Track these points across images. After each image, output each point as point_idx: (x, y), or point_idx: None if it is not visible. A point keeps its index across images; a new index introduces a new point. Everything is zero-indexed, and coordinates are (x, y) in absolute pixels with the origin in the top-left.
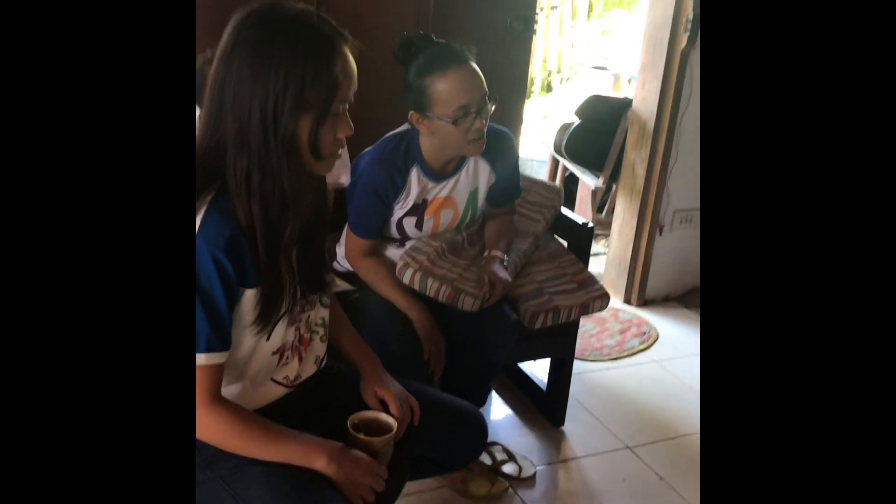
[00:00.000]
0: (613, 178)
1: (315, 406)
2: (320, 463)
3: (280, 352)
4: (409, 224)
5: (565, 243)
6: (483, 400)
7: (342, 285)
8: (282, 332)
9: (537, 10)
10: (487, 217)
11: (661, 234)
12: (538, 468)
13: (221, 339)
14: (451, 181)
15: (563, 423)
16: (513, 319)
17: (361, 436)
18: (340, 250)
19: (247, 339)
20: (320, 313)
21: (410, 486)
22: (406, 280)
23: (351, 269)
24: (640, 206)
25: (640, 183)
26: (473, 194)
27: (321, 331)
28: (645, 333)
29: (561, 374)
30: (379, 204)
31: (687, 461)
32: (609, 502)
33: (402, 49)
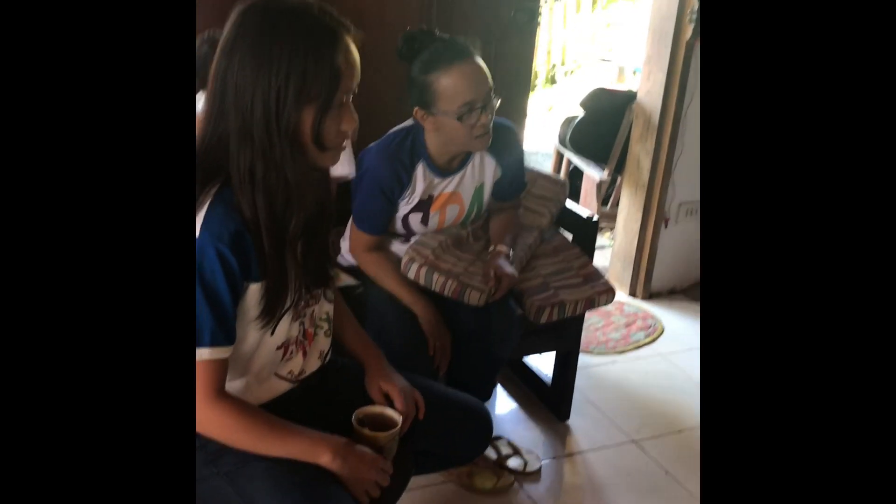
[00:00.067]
0: (618, 170)
1: (319, 401)
2: (325, 458)
3: (284, 347)
4: (415, 220)
5: (570, 236)
6: (488, 394)
7: (347, 280)
8: (286, 327)
9: (541, 2)
10: (492, 211)
11: (666, 226)
12: (543, 462)
13: (226, 334)
14: (457, 176)
15: (568, 417)
16: (518, 314)
17: (366, 431)
18: (345, 244)
19: (251, 333)
20: (325, 308)
21: (415, 481)
22: (412, 275)
23: (355, 263)
24: (645, 199)
25: (645, 175)
26: (479, 189)
27: (325, 325)
28: (650, 326)
29: (566, 367)
30: (384, 201)
31: (692, 455)
32: (615, 496)
33: (405, 45)
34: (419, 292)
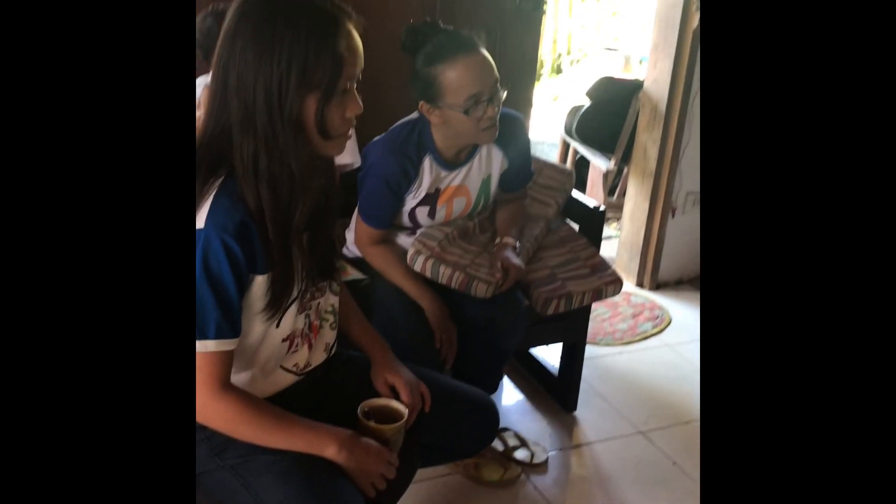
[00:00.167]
0: (625, 160)
1: (325, 394)
2: (331, 451)
3: (290, 339)
4: (422, 213)
5: (577, 227)
6: (495, 386)
7: (353, 273)
8: (291, 320)
9: None
10: (499, 202)
11: (673, 216)
12: (550, 454)
13: (231, 326)
14: (464, 169)
15: (575, 409)
16: (525, 305)
17: (372, 423)
18: (350, 235)
19: (257, 326)
20: (330, 300)
21: (422, 473)
22: (418, 267)
23: (360, 255)
24: (653, 189)
25: (652, 165)
26: (486, 181)
27: (331, 318)
28: (658, 317)
29: (573, 358)
30: (390, 195)
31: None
32: (622, 487)
33: (408, 38)
34: (425, 285)
